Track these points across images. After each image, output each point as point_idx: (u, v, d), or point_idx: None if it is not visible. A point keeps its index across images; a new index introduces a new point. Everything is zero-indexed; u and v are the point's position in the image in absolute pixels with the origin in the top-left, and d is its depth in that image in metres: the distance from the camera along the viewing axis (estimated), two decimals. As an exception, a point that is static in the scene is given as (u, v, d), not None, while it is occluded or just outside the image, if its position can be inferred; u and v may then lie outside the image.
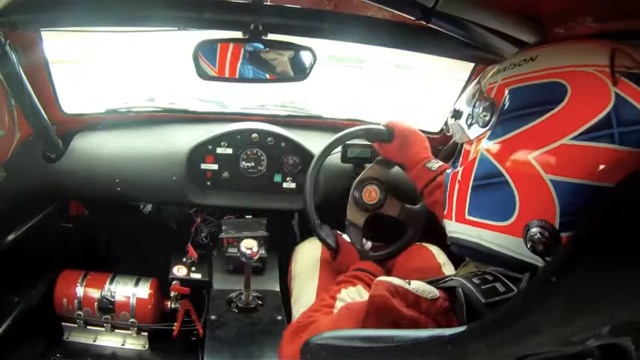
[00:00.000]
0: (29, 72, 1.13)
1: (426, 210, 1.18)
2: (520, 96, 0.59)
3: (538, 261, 0.57)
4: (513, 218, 0.58)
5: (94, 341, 1.48)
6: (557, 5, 0.69)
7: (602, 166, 0.52)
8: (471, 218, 0.64)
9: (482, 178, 0.62)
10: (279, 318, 1.29)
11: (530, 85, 0.58)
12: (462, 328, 0.47)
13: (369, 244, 1.22)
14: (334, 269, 1.19)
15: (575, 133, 0.53)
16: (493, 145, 0.60)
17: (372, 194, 1.23)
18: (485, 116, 0.62)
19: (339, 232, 1.23)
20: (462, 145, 0.70)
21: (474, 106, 0.65)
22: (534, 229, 0.55)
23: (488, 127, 0.61)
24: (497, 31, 0.88)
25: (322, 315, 0.80)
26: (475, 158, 0.63)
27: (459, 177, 0.68)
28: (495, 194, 0.59)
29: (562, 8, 0.68)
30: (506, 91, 0.61)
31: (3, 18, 0.92)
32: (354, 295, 0.91)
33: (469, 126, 0.66)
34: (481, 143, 0.63)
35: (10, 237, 1.32)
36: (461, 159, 0.69)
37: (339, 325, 0.69)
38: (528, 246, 0.56)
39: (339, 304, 0.86)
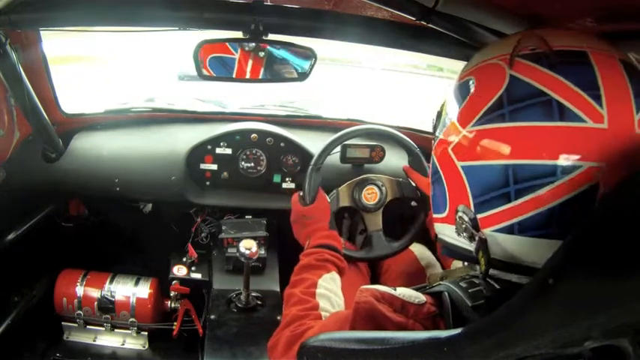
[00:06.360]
0: (29, 71, 1.13)
1: None
2: (449, 99, 0.65)
3: (472, 246, 0.60)
4: (447, 207, 0.63)
5: (94, 341, 1.48)
6: (557, 6, 0.69)
7: (494, 145, 0.55)
8: (434, 215, 0.69)
9: (432, 175, 0.68)
10: (279, 318, 1.28)
11: (455, 87, 0.63)
12: (459, 331, 0.46)
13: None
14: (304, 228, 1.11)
15: (475, 120, 0.57)
16: (435, 145, 0.66)
17: (372, 194, 1.23)
18: (434, 122, 0.69)
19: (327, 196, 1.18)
20: None
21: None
22: (459, 214, 0.60)
23: (434, 131, 0.69)
24: (498, 31, 0.88)
25: (312, 321, 0.82)
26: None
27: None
28: (438, 188, 0.65)
29: (561, 9, 0.69)
30: (445, 99, 0.67)
31: (3, 17, 0.91)
32: (330, 284, 0.94)
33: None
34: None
35: (10, 237, 1.32)
36: None
37: (326, 331, 0.69)
38: (455, 230, 0.62)
39: (321, 303, 0.88)
